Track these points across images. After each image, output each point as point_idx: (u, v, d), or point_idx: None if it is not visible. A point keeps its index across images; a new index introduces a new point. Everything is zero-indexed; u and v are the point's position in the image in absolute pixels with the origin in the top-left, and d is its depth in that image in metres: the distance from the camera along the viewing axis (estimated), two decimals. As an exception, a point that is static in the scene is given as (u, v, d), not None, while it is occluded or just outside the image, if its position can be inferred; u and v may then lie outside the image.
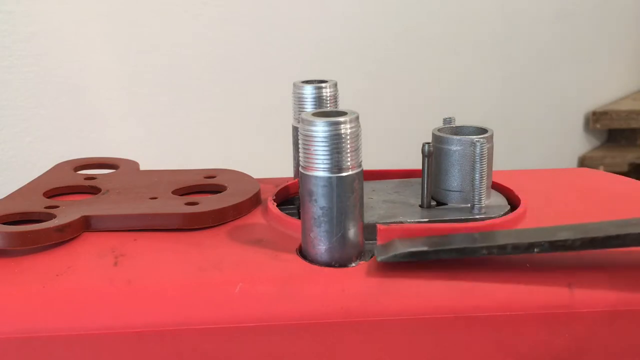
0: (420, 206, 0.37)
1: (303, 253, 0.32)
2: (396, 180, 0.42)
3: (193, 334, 0.29)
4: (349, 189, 0.30)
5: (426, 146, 0.37)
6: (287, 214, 0.36)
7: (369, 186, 0.40)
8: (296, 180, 0.40)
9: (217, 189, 0.40)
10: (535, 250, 0.30)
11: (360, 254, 0.31)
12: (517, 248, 0.30)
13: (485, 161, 0.35)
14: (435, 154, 0.37)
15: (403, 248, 0.30)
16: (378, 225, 0.33)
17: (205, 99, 0.84)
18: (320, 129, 0.29)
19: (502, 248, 0.30)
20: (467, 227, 0.33)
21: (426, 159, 0.37)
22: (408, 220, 0.35)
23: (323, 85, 0.39)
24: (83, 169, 0.45)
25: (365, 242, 0.32)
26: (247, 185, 0.40)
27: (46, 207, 0.36)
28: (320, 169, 0.30)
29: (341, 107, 0.37)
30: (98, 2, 0.69)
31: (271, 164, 0.69)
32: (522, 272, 0.31)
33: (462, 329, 0.29)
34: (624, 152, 1.64)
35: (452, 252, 0.30)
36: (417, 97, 1.18)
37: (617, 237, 0.29)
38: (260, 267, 0.31)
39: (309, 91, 0.39)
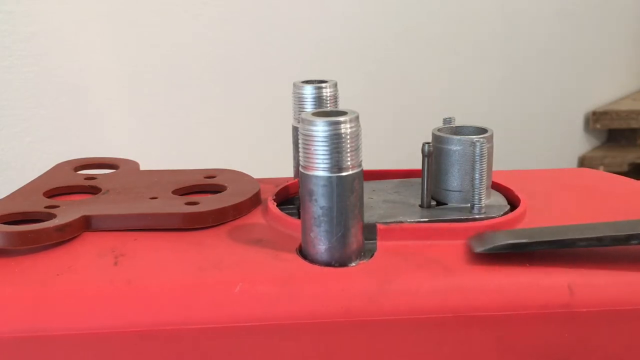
0: (420, 206, 0.37)
1: (303, 253, 0.32)
2: (396, 180, 0.42)
3: (193, 334, 0.29)
4: (349, 188, 0.30)
5: (426, 146, 0.37)
6: (287, 213, 0.36)
7: (369, 186, 0.40)
8: (296, 180, 0.40)
9: (217, 189, 0.40)
10: (633, 242, 0.30)
11: (360, 254, 0.31)
12: (616, 240, 0.30)
13: (485, 161, 0.35)
14: (435, 153, 0.37)
15: (502, 240, 0.31)
16: (378, 225, 0.33)
17: (205, 99, 0.84)
18: (320, 129, 0.29)
19: (600, 240, 0.30)
20: (466, 227, 0.33)
21: (426, 159, 0.37)
22: (408, 220, 0.35)
23: (323, 85, 0.39)
24: (83, 169, 0.45)
25: (365, 241, 0.32)
26: (247, 185, 0.40)
27: (46, 207, 0.36)
28: (320, 169, 0.30)
29: (341, 107, 0.37)
30: (98, 2, 0.69)
31: (271, 164, 0.69)
32: (522, 272, 0.31)
33: (462, 329, 0.29)
34: (624, 152, 1.64)
35: (551, 243, 0.31)
36: (417, 97, 1.18)
37: None
38: (260, 267, 0.31)
39: (309, 91, 0.39)
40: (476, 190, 0.35)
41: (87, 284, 0.30)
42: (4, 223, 0.34)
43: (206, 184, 0.41)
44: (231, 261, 0.31)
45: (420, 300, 0.29)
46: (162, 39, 0.77)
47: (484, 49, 1.32)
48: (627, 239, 0.30)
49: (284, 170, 0.46)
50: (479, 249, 0.31)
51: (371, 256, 0.32)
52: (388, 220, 0.34)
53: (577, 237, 0.30)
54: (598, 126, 1.66)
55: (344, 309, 0.29)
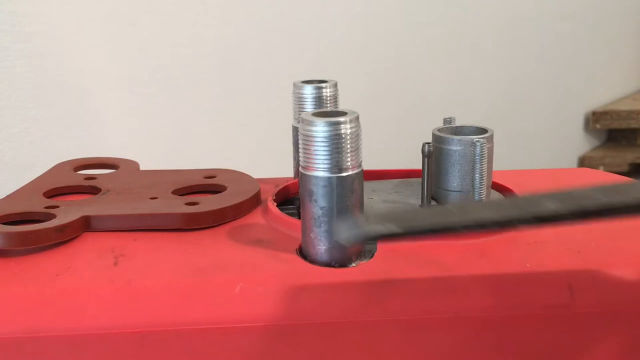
0: (420, 206, 0.37)
1: (303, 253, 0.32)
2: (396, 180, 0.42)
3: (193, 334, 0.29)
4: (349, 189, 0.30)
5: (426, 146, 0.37)
6: (287, 214, 0.36)
7: (369, 186, 0.40)
8: (296, 180, 0.40)
9: (217, 189, 0.40)
10: (519, 225, 0.25)
11: (360, 254, 0.31)
12: (499, 224, 0.25)
13: (485, 161, 0.35)
14: (435, 154, 0.37)
15: (370, 227, 0.23)
16: (378, 226, 0.33)
17: (205, 99, 0.84)
18: (320, 129, 0.29)
19: (482, 225, 0.24)
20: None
21: (426, 159, 0.37)
22: (408, 221, 0.35)
23: (323, 85, 0.39)
24: (83, 169, 0.45)
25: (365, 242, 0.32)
26: (247, 185, 0.40)
27: (46, 207, 0.36)
28: (320, 169, 0.30)
29: (341, 107, 0.37)
30: (98, 2, 0.69)
31: (271, 164, 0.69)
32: (522, 272, 0.31)
33: (462, 329, 0.29)
34: (624, 152, 1.63)
35: (426, 231, 0.24)
36: (417, 97, 1.18)
37: (610, 207, 0.24)
38: (260, 267, 0.31)
39: (309, 91, 0.39)
40: (476, 190, 0.35)
41: (87, 284, 0.30)
42: (4, 223, 0.34)
43: (206, 184, 0.41)
44: (231, 261, 0.31)
45: (420, 300, 0.29)
46: (162, 39, 0.77)
47: (484, 49, 1.32)
48: (510, 223, 0.25)
49: (284, 170, 0.45)
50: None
51: (371, 257, 0.32)
52: (388, 221, 0.34)
53: (455, 220, 0.24)
54: (598, 126, 1.66)
55: (344, 310, 0.29)
